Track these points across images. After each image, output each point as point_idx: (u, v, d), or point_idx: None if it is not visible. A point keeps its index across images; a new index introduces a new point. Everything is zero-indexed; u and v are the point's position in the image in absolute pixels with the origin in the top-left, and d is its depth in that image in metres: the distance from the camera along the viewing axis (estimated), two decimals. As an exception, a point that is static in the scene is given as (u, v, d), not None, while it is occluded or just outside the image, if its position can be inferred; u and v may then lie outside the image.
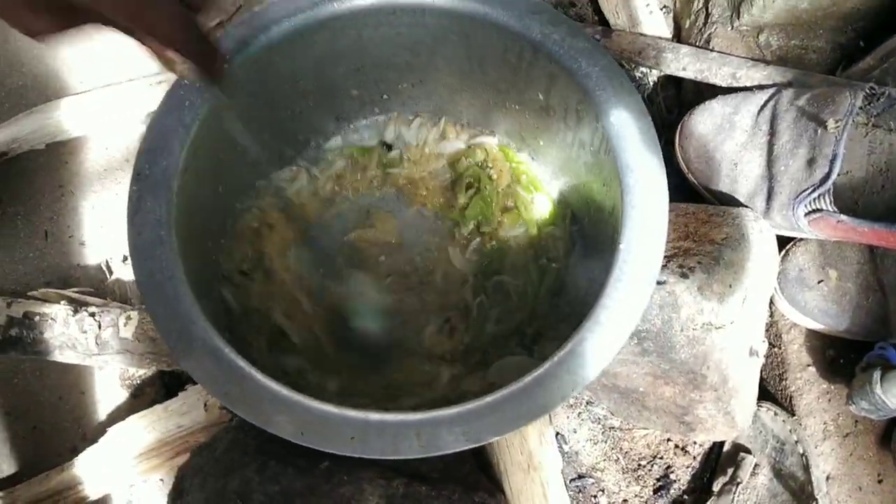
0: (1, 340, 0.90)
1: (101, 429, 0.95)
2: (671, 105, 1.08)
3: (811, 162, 0.81)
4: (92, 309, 0.91)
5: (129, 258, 0.60)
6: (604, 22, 1.12)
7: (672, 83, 1.08)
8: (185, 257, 0.61)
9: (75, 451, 0.92)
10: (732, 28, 0.99)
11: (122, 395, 0.97)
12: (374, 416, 0.56)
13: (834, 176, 0.78)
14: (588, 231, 0.78)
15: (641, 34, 1.06)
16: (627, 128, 0.64)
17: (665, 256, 0.73)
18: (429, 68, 0.77)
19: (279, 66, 0.71)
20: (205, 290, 0.65)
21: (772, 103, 0.88)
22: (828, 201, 0.80)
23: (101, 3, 0.45)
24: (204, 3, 0.49)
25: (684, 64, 0.98)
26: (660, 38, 1.06)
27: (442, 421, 0.56)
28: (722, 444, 0.93)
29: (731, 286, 0.78)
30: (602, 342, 0.57)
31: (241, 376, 0.57)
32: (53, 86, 1.12)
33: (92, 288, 0.99)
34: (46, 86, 1.12)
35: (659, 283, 0.75)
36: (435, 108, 0.84)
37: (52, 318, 0.90)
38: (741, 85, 0.94)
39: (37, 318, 0.90)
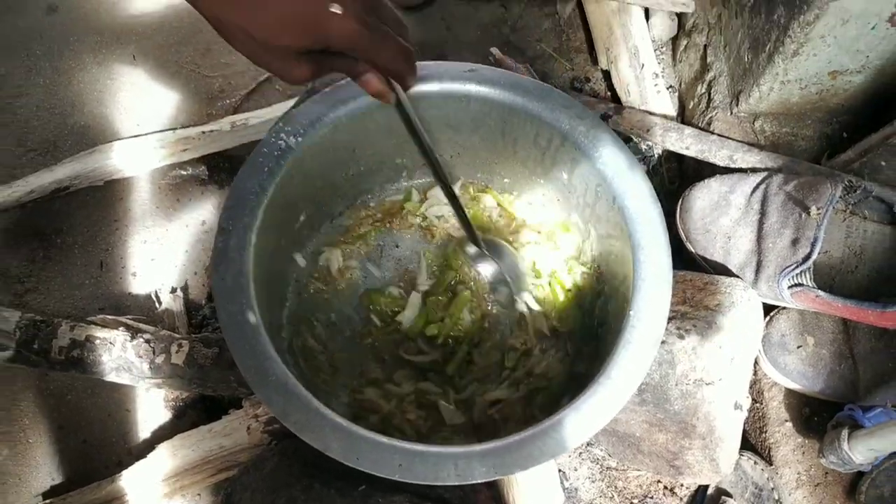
0: (64, 360, 0.99)
1: (146, 445, 1.04)
2: (673, 176, 1.20)
3: (795, 242, 0.92)
4: (147, 336, 1.01)
5: (214, 301, 0.71)
6: (616, 97, 1.25)
7: (675, 157, 1.19)
8: (260, 301, 0.72)
9: (121, 465, 1.02)
10: (731, 113, 1.11)
11: (165, 415, 1.07)
12: (419, 447, 0.66)
13: (814, 256, 0.90)
14: (603, 288, 0.89)
15: (650, 112, 1.18)
16: (640, 212, 0.76)
17: (664, 318, 0.85)
18: (468, 143, 0.89)
19: (342, 137, 0.82)
20: (275, 329, 0.75)
21: (763, 186, 0.99)
22: (808, 278, 0.91)
23: (358, 49, 0.60)
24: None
25: (687, 143, 1.10)
26: (666, 117, 1.18)
27: (475, 455, 0.66)
28: (706, 487, 1.03)
29: (721, 347, 0.89)
30: (613, 395, 0.68)
31: (307, 408, 0.67)
32: (112, 127, 1.23)
33: (143, 316, 1.09)
34: (105, 127, 1.23)
35: (658, 342, 0.86)
36: (470, 175, 0.96)
37: (110, 343, 1.00)
38: (737, 166, 1.06)
39: (97, 341, 1.00)
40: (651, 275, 0.73)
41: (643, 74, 1.21)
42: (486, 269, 0.90)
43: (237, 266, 0.72)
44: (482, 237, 0.88)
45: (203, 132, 1.19)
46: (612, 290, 0.83)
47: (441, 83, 0.81)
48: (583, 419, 0.68)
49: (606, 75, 1.28)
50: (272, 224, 0.78)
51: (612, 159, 0.78)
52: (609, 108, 1.17)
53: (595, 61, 1.29)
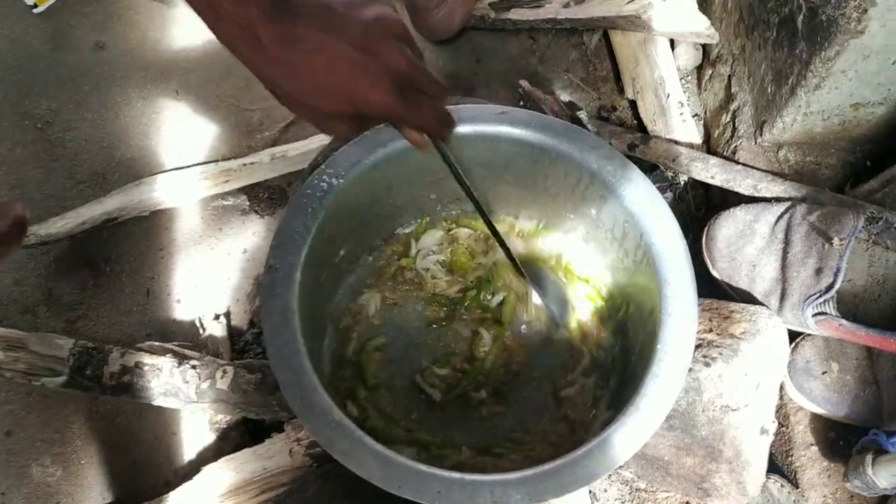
0: (115, 385, 1.04)
1: (191, 467, 1.09)
2: (699, 203, 1.23)
3: (819, 271, 0.95)
4: (193, 362, 1.05)
5: (263, 336, 0.75)
6: (642, 126, 1.28)
7: (701, 184, 1.22)
8: (304, 335, 0.76)
9: (168, 486, 1.06)
10: (756, 143, 1.14)
11: (209, 437, 1.11)
12: (457, 475, 0.70)
13: (837, 286, 0.92)
14: (630, 320, 0.92)
15: (676, 141, 1.21)
16: (666, 248, 0.79)
17: (691, 346, 0.88)
18: (499, 181, 0.93)
19: (380, 176, 0.86)
20: (317, 360, 0.80)
21: (787, 216, 1.02)
22: (832, 306, 0.94)
23: (392, 118, 0.67)
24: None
25: (713, 173, 1.13)
26: (692, 145, 1.21)
27: (511, 482, 0.70)
28: (734, 509, 1.06)
29: (746, 374, 0.92)
30: (642, 425, 0.72)
31: (350, 438, 0.71)
32: (157, 159, 1.28)
33: (188, 342, 1.14)
34: (150, 159, 1.28)
35: (685, 370, 0.89)
36: (499, 210, 1.00)
37: (158, 369, 1.05)
38: (761, 195, 1.09)
39: (146, 367, 1.05)
40: (677, 309, 0.76)
41: (669, 104, 1.24)
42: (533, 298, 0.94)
43: (283, 302, 0.76)
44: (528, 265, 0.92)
45: (244, 164, 1.24)
46: (639, 322, 0.86)
47: (474, 125, 0.86)
48: (613, 449, 0.71)
49: (633, 104, 1.31)
50: (315, 260, 0.82)
51: (639, 198, 0.82)
52: (636, 138, 1.21)
53: (621, 90, 1.33)
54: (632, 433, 0.71)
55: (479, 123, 0.86)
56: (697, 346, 0.93)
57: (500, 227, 1.00)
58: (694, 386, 0.90)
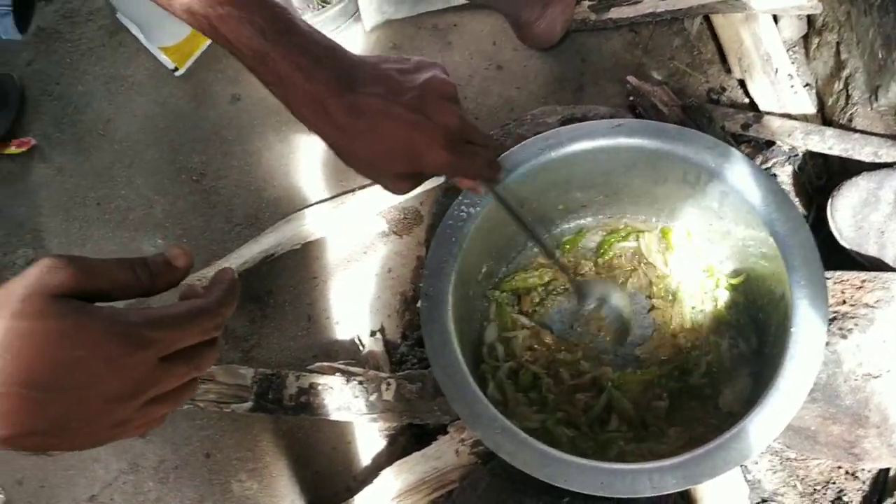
0: (294, 406, 1.17)
1: (368, 472, 1.21)
2: (820, 172, 1.25)
3: (949, 233, 0.97)
4: (359, 378, 1.17)
5: (428, 356, 0.85)
6: (754, 104, 1.30)
7: (820, 153, 1.24)
8: (464, 352, 0.85)
9: (350, 491, 1.18)
10: (872, 108, 1.15)
11: (381, 444, 1.23)
12: (617, 465, 0.78)
13: (969, 246, 0.94)
14: (762, 304, 0.97)
15: (789, 115, 1.23)
16: (790, 235, 0.84)
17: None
18: (619, 185, 0.99)
19: (515, 194, 0.94)
20: (478, 373, 0.89)
21: (911, 180, 1.04)
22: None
23: (448, 172, 0.75)
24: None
25: (830, 144, 1.15)
26: (806, 116, 1.23)
27: (666, 468, 0.77)
28: (888, 469, 1.09)
29: (885, 341, 0.95)
30: (784, 405, 0.77)
31: (516, 440, 0.80)
32: (300, 196, 1.41)
33: (351, 359, 1.26)
34: (295, 196, 1.41)
35: (822, 344, 0.93)
36: (621, 212, 1.06)
37: (330, 387, 1.17)
38: (883, 161, 1.10)
39: (319, 387, 1.17)
40: (808, 293, 0.81)
41: (778, 78, 1.26)
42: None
43: (441, 325, 0.86)
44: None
45: (378, 190, 1.34)
46: (771, 305, 0.91)
47: (593, 140, 0.92)
48: (759, 430, 0.77)
49: (742, 83, 1.33)
50: (461, 283, 0.91)
51: (758, 190, 0.87)
52: (748, 118, 1.24)
53: (729, 70, 1.35)
54: (776, 414, 0.77)
55: (598, 138, 0.92)
56: (832, 320, 0.96)
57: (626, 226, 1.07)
58: (833, 359, 0.94)
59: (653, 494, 0.76)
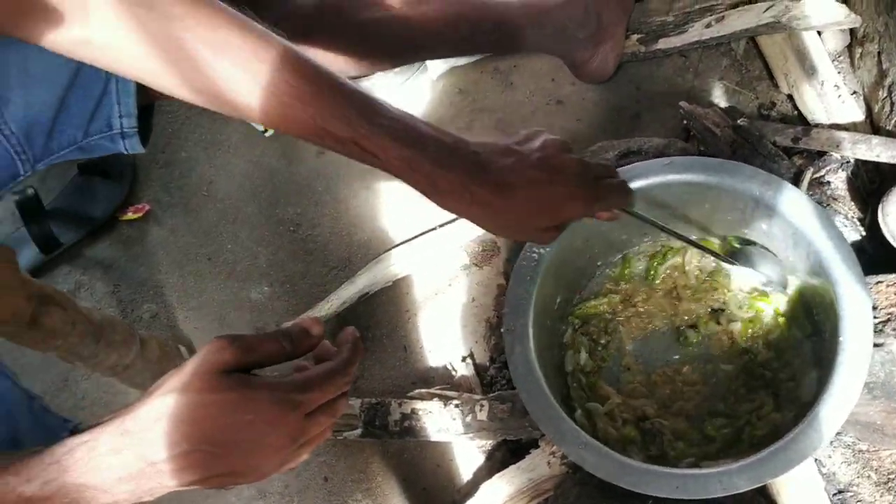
0: (399, 430, 1.31)
1: (470, 486, 1.33)
2: (873, 177, 1.31)
3: None
4: (455, 401, 1.29)
5: (514, 384, 0.97)
6: (803, 117, 1.38)
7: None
8: (546, 375, 0.97)
9: None
10: (916, 114, 1.22)
11: (479, 459, 1.35)
12: (689, 471, 0.88)
13: None
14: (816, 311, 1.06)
15: (838, 126, 1.31)
16: (833, 252, 0.93)
17: (881, 322, 1.01)
18: (675, 215, 1.10)
19: (578, 235, 1.06)
20: (557, 392, 1.00)
21: (957, 182, 1.10)
22: None
23: (590, 212, 0.84)
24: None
25: (877, 152, 1.22)
26: (855, 125, 1.30)
27: (734, 471, 0.87)
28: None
29: (938, 339, 1.02)
30: (836, 409, 0.87)
31: (599, 454, 0.91)
32: (387, 237, 1.54)
33: (445, 383, 1.38)
34: (383, 237, 1.55)
35: (877, 345, 1.01)
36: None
37: (430, 411, 1.30)
38: (930, 165, 1.17)
39: (420, 412, 1.30)
40: (851, 305, 0.90)
41: (825, 90, 1.34)
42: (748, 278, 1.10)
43: (524, 356, 0.98)
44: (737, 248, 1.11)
45: (460, 226, 1.47)
46: (824, 312, 1.00)
47: (647, 179, 1.04)
48: (815, 432, 0.86)
49: (790, 97, 1.41)
50: (539, 313, 1.03)
51: (801, 213, 0.96)
52: (797, 131, 1.31)
53: (777, 85, 1.43)
54: (828, 417, 0.86)
55: (651, 176, 1.04)
56: (886, 321, 1.04)
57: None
58: (889, 359, 1.02)
59: (724, 494, 0.87)
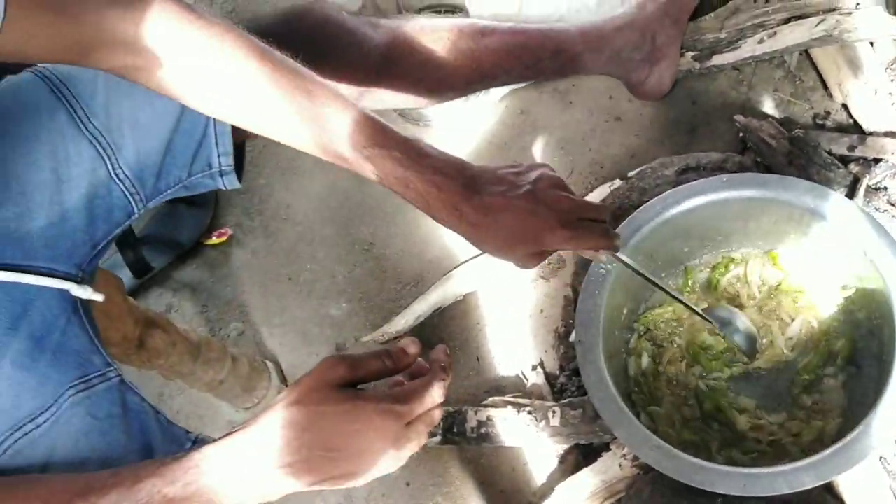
0: (476, 437, 1.39)
1: (545, 488, 1.40)
2: (931, 181, 1.35)
3: None
4: (528, 409, 1.37)
5: (587, 391, 1.04)
6: (858, 125, 1.42)
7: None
8: (615, 382, 1.04)
9: (531, 505, 1.39)
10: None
11: (552, 463, 1.42)
12: (755, 470, 0.94)
13: None
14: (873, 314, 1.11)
15: (891, 134, 1.35)
16: (888, 257, 0.98)
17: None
18: (732, 227, 1.16)
19: (643, 251, 1.12)
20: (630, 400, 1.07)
21: None
22: None
23: (569, 247, 0.93)
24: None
25: (934, 156, 1.26)
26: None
27: (800, 469, 0.93)
28: None
29: None
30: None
31: (669, 455, 0.98)
32: (455, 255, 1.62)
33: (518, 391, 1.46)
34: (451, 255, 1.63)
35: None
36: (738, 247, 1.22)
37: (504, 418, 1.37)
38: None
39: (495, 419, 1.38)
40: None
41: (878, 99, 1.38)
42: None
43: (595, 365, 1.05)
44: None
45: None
46: (880, 317, 1.05)
47: (705, 196, 1.10)
48: (878, 431, 0.92)
49: (845, 105, 1.45)
50: (608, 324, 1.10)
51: (853, 222, 1.02)
52: (853, 140, 1.36)
53: (831, 95, 1.47)
54: (888, 418, 0.92)
55: (709, 193, 1.10)
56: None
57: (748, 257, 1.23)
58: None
59: (789, 491, 0.93)
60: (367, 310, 1.65)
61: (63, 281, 0.93)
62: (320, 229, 1.76)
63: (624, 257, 0.98)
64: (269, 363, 1.63)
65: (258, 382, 1.58)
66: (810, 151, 1.33)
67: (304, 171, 1.83)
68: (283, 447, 0.71)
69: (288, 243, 1.77)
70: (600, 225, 0.93)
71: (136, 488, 0.71)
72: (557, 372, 1.47)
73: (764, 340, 1.17)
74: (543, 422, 1.35)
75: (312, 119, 0.84)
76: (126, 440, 0.87)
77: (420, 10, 1.71)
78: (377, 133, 0.85)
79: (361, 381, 0.76)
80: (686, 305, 1.10)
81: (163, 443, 0.89)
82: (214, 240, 1.82)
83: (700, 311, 1.11)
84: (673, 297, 1.07)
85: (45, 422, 0.83)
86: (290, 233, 1.78)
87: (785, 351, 1.16)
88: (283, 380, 1.64)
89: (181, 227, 1.80)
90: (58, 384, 0.86)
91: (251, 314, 1.74)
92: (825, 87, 1.49)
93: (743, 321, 1.16)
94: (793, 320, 1.17)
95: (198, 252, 1.83)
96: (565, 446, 1.41)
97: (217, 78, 0.83)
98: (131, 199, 1.02)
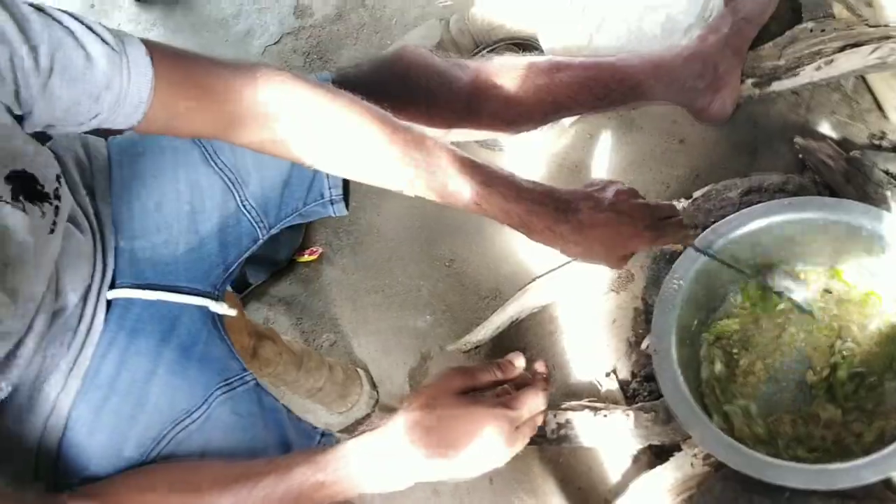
0: (556, 438, 1.51)
1: (620, 486, 1.51)
2: None
3: None
4: (604, 412, 1.48)
5: (664, 397, 1.16)
6: (912, 145, 1.51)
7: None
8: (690, 388, 1.15)
9: (607, 503, 1.50)
10: None
11: (627, 462, 1.53)
12: (818, 466, 1.06)
13: None
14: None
15: (944, 153, 1.44)
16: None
17: None
18: (801, 245, 1.26)
19: (709, 269, 1.24)
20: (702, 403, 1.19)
21: None
22: None
23: (654, 245, 1.11)
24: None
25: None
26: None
27: (861, 466, 1.04)
28: None
29: None
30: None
31: (739, 453, 1.09)
32: (530, 269, 1.75)
33: (593, 396, 1.58)
34: (527, 269, 1.75)
35: None
36: (803, 261, 1.33)
37: (582, 421, 1.49)
38: None
39: (574, 421, 1.49)
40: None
41: (931, 119, 1.47)
42: None
43: (671, 373, 1.17)
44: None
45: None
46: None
47: (768, 217, 1.21)
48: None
49: (900, 126, 1.55)
50: (681, 335, 1.22)
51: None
52: (904, 161, 1.45)
53: (886, 116, 1.56)
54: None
55: (772, 215, 1.21)
56: None
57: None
58: None
59: (850, 486, 1.03)
60: (449, 321, 1.79)
61: (204, 298, 1.09)
62: (404, 248, 1.90)
63: (700, 247, 1.17)
64: (360, 371, 1.78)
65: (352, 389, 1.73)
66: (867, 171, 1.42)
67: (389, 194, 1.89)
68: (413, 445, 0.85)
69: (374, 260, 1.92)
70: (677, 220, 1.10)
71: (290, 473, 0.87)
72: (630, 378, 1.59)
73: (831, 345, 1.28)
74: (619, 424, 1.46)
75: (428, 169, 0.99)
76: (265, 434, 1.02)
77: (495, 44, 1.84)
78: (484, 175, 1.00)
79: (475, 389, 0.90)
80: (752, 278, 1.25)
81: (296, 436, 1.04)
82: (307, 257, 1.98)
83: (766, 283, 1.25)
84: (739, 271, 1.23)
85: (198, 418, 0.99)
86: (377, 250, 1.93)
87: (846, 355, 1.26)
88: (374, 386, 1.79)
89: (276, 247, 1.96)
90: (206, 387, 1.02)
91: (342, 326, 1.89)
92: (880, 108, 1.58)
93: (799, 283, 1.28)
94: (858, 328, 1.27)
95: (291, 269, 1.99)
96: (639, 447, 1.52)
97: (345, 145, 0.98)
98: (257, 227, 1.17)
